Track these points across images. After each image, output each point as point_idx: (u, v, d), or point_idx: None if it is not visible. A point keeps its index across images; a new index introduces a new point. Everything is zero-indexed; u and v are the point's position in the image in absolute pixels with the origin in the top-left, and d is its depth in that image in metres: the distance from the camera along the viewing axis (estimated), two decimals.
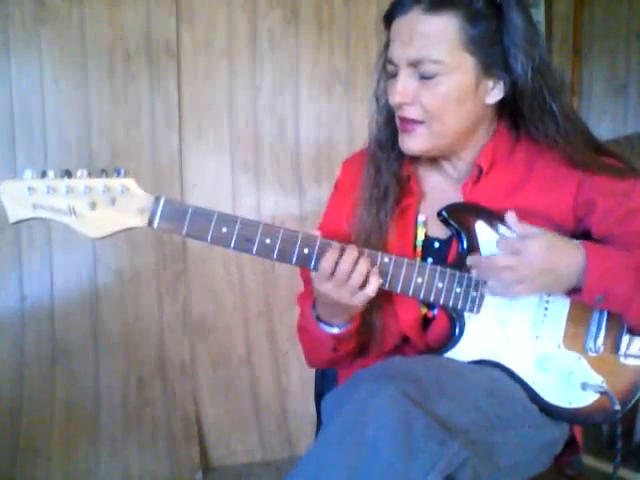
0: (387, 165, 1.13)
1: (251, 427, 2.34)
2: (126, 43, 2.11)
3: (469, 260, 1.04)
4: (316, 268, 1.00)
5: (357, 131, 2.28)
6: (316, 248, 1.00)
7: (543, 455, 1.08)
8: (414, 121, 1.05)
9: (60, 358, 2.13)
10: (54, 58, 2.06)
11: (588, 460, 1.73)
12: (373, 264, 1.01)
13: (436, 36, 1.01)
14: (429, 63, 1.01)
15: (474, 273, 1.04)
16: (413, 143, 1.07)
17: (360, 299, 1.00)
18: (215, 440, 2.32)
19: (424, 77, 1.02)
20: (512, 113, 1.12)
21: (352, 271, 0.98)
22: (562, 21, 2.67)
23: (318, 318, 1.09)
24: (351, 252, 0.99)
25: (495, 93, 1.07)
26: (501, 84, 1.06)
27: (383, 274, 1.03)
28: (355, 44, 2.33)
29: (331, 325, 1.08)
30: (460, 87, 1.03)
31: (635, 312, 1.02)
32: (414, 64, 1.02)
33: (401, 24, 1.03)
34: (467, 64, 1.03)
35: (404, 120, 1.06)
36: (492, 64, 1.04)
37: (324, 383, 1.34)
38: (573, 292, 1.02)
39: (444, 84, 1.02)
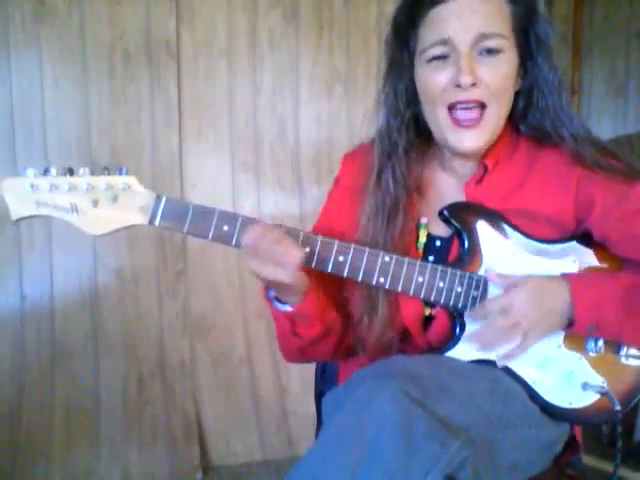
0: (404, 170, 1.11)
1: (251, 427, 2.35)
2: (126, 43, 2.11)
3: (468, 339, 1.05)
4: (309, 264, 1.00)
5: (357, 131, 2.28)
6: (317, 247, 1.01)
7: (543, 455, 1.08)
8: (477, 103, 1.02)
9: (60, 358, 2.13)
10: (54, 58, 2.06)
11: (588, 460, 1.73)
12: (305, 244, 0.99)
13: (498, 14, 1.02)
14: (497, 38, 1.01)
15: (479, 347, 1.04)
16: (474, 139, 1.04)
17: (287, 273, 0.96)
18: (215, 440, 2.32)
19: (489, 53, 1.01)
20: (511, 112, 1.12)
21: (273, 245, 0.95)
22: (562, 21, 2.67)
23: (277, 299, 1.07)
24: (273, 229, 0.97)
25: (518, 83, 1.09)
26: (521, 73, 1.08)
27: (384, 273, 1.03)
28: (355, 44, 2.33)
29: (284, 303, 1.06)
30: (513, 68, 1.05)
31: (629, 336, 1.04)
32: (478, 41, 1.00)
33: (457, 5, 1.01)
34: (515, 45, 1.05)
35: (462, 104, 1.02)
36: (522, 51, 1.06)
37: (324, 383, 1.34)
38: (567, 325, 1.03)
39: (506, 61, 1.03)
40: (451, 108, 1.04)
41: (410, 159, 1.12)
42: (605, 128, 2.67)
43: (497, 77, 1.02)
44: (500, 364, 1.05)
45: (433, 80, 1.04)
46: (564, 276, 1.03)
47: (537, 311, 1.01)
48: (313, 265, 1.02)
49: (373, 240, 1.08)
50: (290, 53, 2.29)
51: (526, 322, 1.00)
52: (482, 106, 1.03)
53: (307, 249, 1.01)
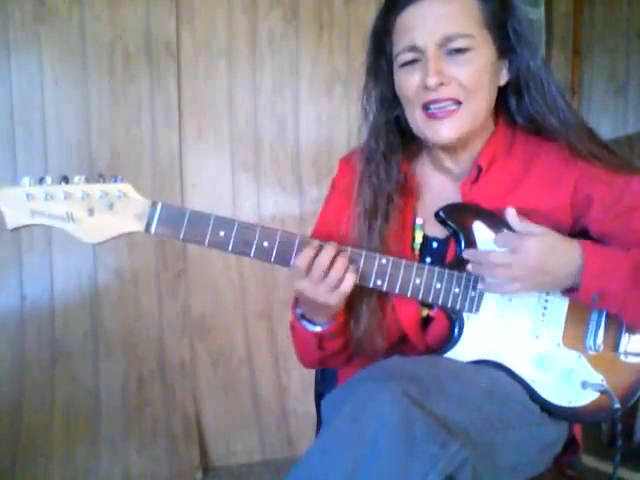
0: (385, 172, 1.12)
1: (251, 427, 2.35)
2: (126, 43, 2.11)
3: (465, 253, 1.04)
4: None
5: (357, 131, 2.28)
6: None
7: (543, 455, 1.08)
8: (451, 101, 1.03)
9: (60, 358, 2.13)
10: (54, 58, 2.06)
11: (588, 460, 1.72)
12: (351, 261, 1.01)
13: (462, 14, 1.03)
14: (461, 38, 1.02)
15: (469, 267, 1.04)
16: (448, 129, 1.05)
17: (337, 297, 1.00)
18: (215, 440, 2.32)
19: (457, 52, 1.02)
20: (508, 108, 1.13)
21: (329, 269, 0.98)
22: (562, 21, 2.68)
23: (303, 316, 1.10)
24: (329, 249, 0.99)
25: (503, 75, 1.10)
26: (507, 66, 1.09)
27: (381, 276, 1.03)
28: (355, 44, 2.33)
29: (314, 323, 1.09)
30: (487, 63, 1.05)
31: (631, 311, 1.02)
32: (443, 43, 1.02)
33: (419, 10, 1.03)
34: (489, 41, 1.05)
35: (432, 106, 1.04)
36: (502, 44, 1.07)
37: (324, 383, 1.34)
38: (570, 291, 1.02)
39: (477, 58, 1.03)
40: (425, 107, 1.05)
41: (390, 163, 1.13)
42: (605, 128, 2.67)
43: (468, 75, 1.03)
44: (478, 287, 1.05)
45: (406, 83, 1.06)
46: (578, 241, 1.02)
47: (536, 267, 0.98)
48: None
49: (361, 245, 1.09)
50: (290, 53, 2.29)
51: (519, 271, 0.99)
52: (457, 102, 1.04)
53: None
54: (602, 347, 1.06)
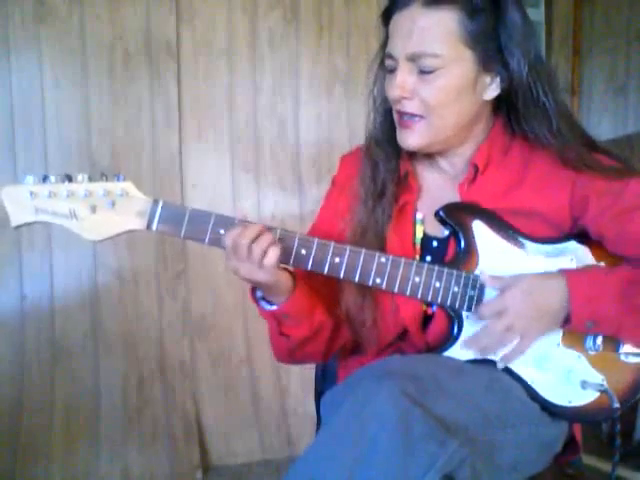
0: (384, 162, 1.14)
1: (251, 427, 2.35)
2: (126, 43, 2.12)
3: (465, 345, 1.05)
4: (305, 266, 1.01)
5: (357, 131, 2.29)
6: (314, 249, 1.01)
7: (543, 454, 1.08)
8: (413, 115, 1.05)
9: (60, 358, 2.13)
10: (54, 58, 2.06)
11: (588, 460, 1.73)
12: (281, 241, 1.00)
13: (436, 30, 1.01)
14: (428, 57, 1.01)
15: (477, 351, 1.04)
16: (412, 139, 1.07)
17: (265, 273, 0.98)
18: (215, 440, 2.32)
19: (423, 72, 1.02)
20: (507, 111, 1.12)
21: (252, 245, 0.96)
22: (562, 21, 2.68)
23: (263, 299, 1.08)
24: (253, 228, 0.97)
25: (492, 89, 1.08)
26: (498, 80, 1.07)
27: (380, 274, 1.03)
28: (355, 44, 2.34)
29: (270, 304, 1.07)
30: (459, 81, 1.04)
31: (628, 332, 1.04)
32: (413, 59, 1.02)
33: (401, 19, 1.04)
34: (466, 58, 1.03)
35: (403, 115, 1.06)
36: (490, 59, 1.05)
37: (324, 382, 1.34)
38: (565, 322, 1.03)
39: (443, 78, 1.03)
40: (399, 113, 1.08)
41: (393, 150, 1.14)
42: (605, 128, 2.67)
43: (431, 93, 1.03)
44: (500, 366, 1.05)
45: (387, 89, 1.08)
46: (560, 272, 1.03)
47: (532, 311, 1.01)
48: (309, 267, 1.02)
49: (363, 227, 1.10)
50: (290, 53, 2.30)
51: (521, 323, 1.00)
52: (420, 117, 1.05)
53: (303, 251, 1.01)
54: (601, 347, 1.06)
